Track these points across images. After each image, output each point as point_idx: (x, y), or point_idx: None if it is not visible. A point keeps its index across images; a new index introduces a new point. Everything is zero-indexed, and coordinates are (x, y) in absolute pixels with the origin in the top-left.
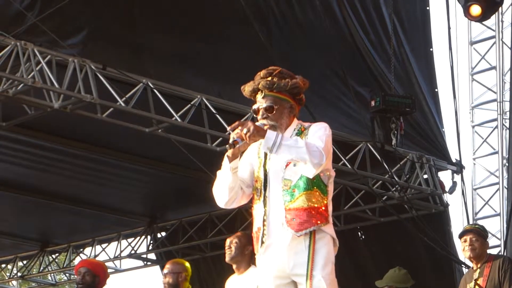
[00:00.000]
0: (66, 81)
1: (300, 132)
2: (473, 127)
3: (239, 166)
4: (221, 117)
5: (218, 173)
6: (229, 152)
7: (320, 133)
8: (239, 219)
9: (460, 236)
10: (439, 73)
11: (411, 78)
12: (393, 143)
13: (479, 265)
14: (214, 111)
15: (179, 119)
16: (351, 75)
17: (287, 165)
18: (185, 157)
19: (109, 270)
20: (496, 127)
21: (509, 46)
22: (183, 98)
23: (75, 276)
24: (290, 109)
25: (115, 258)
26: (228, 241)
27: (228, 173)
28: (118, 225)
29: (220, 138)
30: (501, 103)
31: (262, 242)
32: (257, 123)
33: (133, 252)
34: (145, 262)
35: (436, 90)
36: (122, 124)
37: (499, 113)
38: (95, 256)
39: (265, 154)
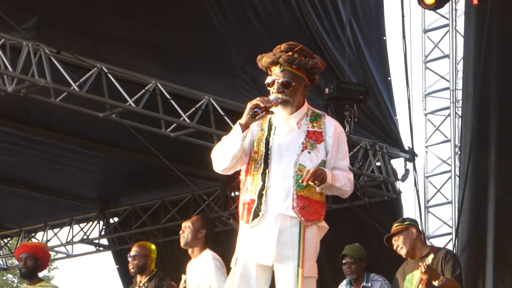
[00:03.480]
0: (20, 65)
1: (313, 119)
2: (425, 115)
3: None
4: (176, 103)
5: (224, 138)
6: (243, 121)
7: (345, 150)
8: (193, 205)
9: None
10: (392, 61)
11: (365, 66)
12: (346, 131)
13: (418, 257)
14: (168, 97)
15: (133, 104)
16: None
17: (302, 150)
18: (139, 143)
19: (61, 255)
20: (449, 115)
21: (463, 34)
22: (137, 83)
23: None
24: (304, 87)
25: (67, 243)
26: (183, 226)
27: (238, 142)
28: (70, 210)
29: (175, 124)
30: (454, 92)
31: (256, 216)
32: (270, 96)
33: (85, 237)
34: (97, 248)
35: (389, 78)
36: (76, 108)
37: (451, 101)
38: (47, 241)
39: (269, 128)
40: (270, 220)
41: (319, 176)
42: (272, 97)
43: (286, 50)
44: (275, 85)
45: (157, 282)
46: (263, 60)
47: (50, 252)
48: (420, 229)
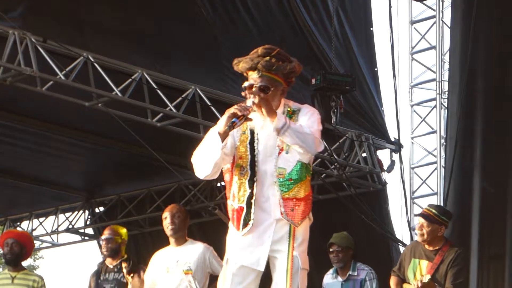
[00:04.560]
0: (6, 54)
1: (289, 116)
2: (412, 106)
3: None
4: (162, 92)
5: (204, 145)
6: (221, 130)
7: (313, 119)
8: (179, 195)
9: (417, 215)
10: (379, 52)
11: (351, 57)
12: (332, 121)
13: (431, 248)
14: (155, 86)
15: (119, 94)
16: (292, 53)
17: (279, 153)
18: (125, 132)
19: (46, 245)
20: (435, 106)
21: (449, 26)
22: (124, 73)
23: None
24: (282, 91)
25: (52, 232)
26: (167, 214)
27: (219, 151)
28: (56, 199)
29: (161, 114)
30: (440, 83)
31: (246, 224)
32: (248, 101)
33: (70, 226)
34: (82, 237)
35: (375, 69)
36: (62, 97)
37: (438, 92)
38: (32, 230)
39: (251, 133)
40: (261, 228)
41: (259, 93)
42: (249, 102)
43: (263, 55)
44: (253, 90)
45: (132, 266)
46: (240, 65)
47: (35, 241)
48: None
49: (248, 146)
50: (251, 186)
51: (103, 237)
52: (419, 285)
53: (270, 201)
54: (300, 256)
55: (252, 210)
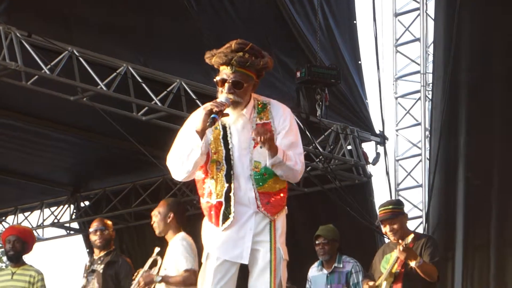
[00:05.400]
0: None
1: (260, 110)
2: (396, 98)
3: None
4: (147, 86)
5: (181, 146)
6: (200, 128)
7: (295, 130)
8: (164, 189)
9: (380, 222)
10: (364, 45)
11: (336, 50)
12: (317, 114)
13: (401, 240)
14: (140, 80)
15: (104, 88)
16: (277, 46)
17: (254, 146)
18: (110, 126)
19: None
20: (419, 98)
21: (433, 18)
22: (109, 67)
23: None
24: (253, 86)
25: (38, 226)
26: (152, 215)
27: (198, 150)
28: (41, 193)
29: (146, 107)
30: (425, 75)
31: (226, 219)
32: (221, 97)
33: (56, 221)
34: (68, 231)
35: (359, 62)
36: (47, 92)
37: (422, 84)
38: (18, 224)
39: (224, 127)
40: (242, 221)
41: (266, 133)
42: (223, 98)
43: (236, 50)
44: (226, 86)
45: (113, 257)
46: (214, 59)
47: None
48: None
49: (222, 140)
50: (228, 180)
51: (95, 228)
52: (401, 249)
53: (248, 194)
54: (282, 247)
55: (232, 204)
